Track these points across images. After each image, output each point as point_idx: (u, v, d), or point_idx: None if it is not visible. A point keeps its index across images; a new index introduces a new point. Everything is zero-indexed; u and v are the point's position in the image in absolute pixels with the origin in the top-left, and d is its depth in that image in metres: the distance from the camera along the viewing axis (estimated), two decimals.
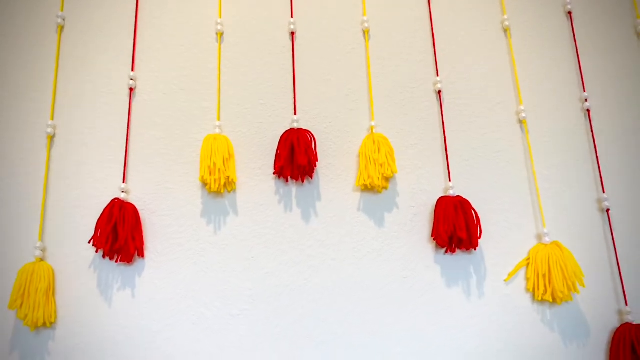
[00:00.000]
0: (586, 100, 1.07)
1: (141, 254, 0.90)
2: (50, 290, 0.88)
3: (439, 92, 1.04)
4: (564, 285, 0.93)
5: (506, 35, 1.09)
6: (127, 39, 1.01)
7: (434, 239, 0.95)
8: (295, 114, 1.00)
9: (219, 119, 0.98)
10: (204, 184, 0.94)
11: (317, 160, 0.96)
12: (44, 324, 0.87)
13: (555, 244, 0.95)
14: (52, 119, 0.97)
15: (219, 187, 0.92)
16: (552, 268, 0.93)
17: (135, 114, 0.98)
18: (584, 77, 1.09)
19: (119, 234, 0.88)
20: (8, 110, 0.97)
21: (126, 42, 1.01)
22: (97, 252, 0.90)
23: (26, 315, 0.86)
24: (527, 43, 1.09)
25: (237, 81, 1.01)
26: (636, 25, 1.13)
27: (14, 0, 1.03)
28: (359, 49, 1.05)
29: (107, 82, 0.99)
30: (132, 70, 1.00)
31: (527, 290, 0.95)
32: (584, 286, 0.93)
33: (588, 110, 1.07)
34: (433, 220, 0.95)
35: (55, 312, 0.88)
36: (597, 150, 1.05)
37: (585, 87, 1.08)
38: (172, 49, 1.02)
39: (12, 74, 0.99)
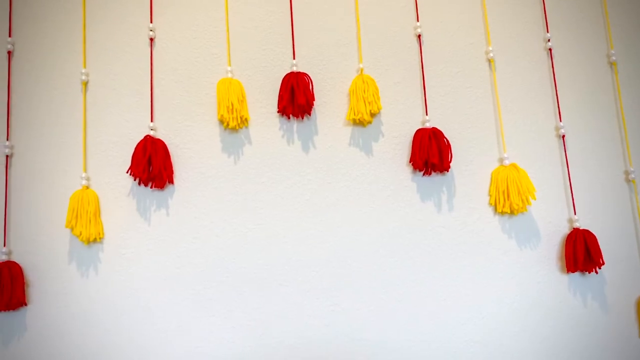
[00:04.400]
0: (549, 40, 1.22)
1: (171, 181, 1.09)
2: (98, 212, 1.08)
3: (419, 36, 1.19)
4: (519, 199, 1.13)
5: None
6: None
7: (411, 164, 1.13)
8: (294, 58, 1.15)
9: (229, 65, 1.14)
10: (222, 121, 1.11)
11: (314, 100, 1.13)
12: (95, 239, 1.07)
13: (513, 165, 1.14)
14: (85, 67, 1.13)
15: (236, 124, 1.09)
16: (509, 185, 1.13)
17: (156, 61, 1.13)
18: (547, 18, 1.23)
19: (153, 165, 1.06)
20: (46, 60, 1.12)
21: None
22: (134, 180, 1.09)
23: (81, 233, 1.06)
24: None
25: (242, 29, 1.16)
26: None
27: None
28: None
29: (129, 33, 1.14)
30: (151, 22, 1.14)
31: (490, 204, 1.15)
32: (535, 199, 1.13)
33: (550, 50, 1.22)
34: (411, 148, 1.14)
35: (103, 229, 1.08)
36: (557, 85, 1.21)
37: (549, 28, 1.23)
38: (184, 1, 1.16)
39: (48, 29, 1.13)
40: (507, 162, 1.15)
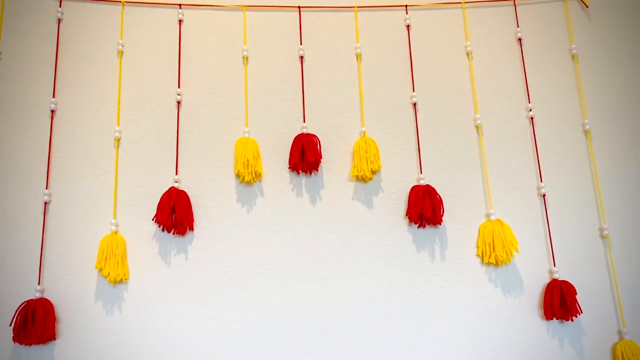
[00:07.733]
0: (530, 110, 1.37)
1: (192, 229, 1.22)
2: (124, 255, 1.19)
3: (415, 104, 1.34)
4: (503, 251, 1.25)
5: (468, 58, 1.39)
6: (174, 63, 1.31)
7: (407, 217, 1.26)
8: (304, 121, 1.30)
9: (247, 126, 1.28)
10: (238, 176, 1.24)
11: (321, 158, 1.27)
12: (121, 280, 1.18)
13: (499, 220, 1.27)
14: (118, 125, 1.27)
15: (250, 178, 1.23)
16: (495, 239, 1.25)
17: (182, 122, 1.28)
18: (529, 90, 1.39)
19: (176, 214, 1.19)
20: (84, 118, 1.26)
21: (173, 66, 1.31)
22: (159, 227, 1.21)
23: (109, 273, 1.17)
24: (484, 65, 1.39)
25: (259, 96, 1.31)
26: (571, 49, 1.43)
27: (79, 30, 1.31)
28: (353, 69, 1.35)
29: (159, 96, 1.29)
30: (179, 87, 1.29)
31: (478, 255, 1.27)
32: (517, 251, 1.25)
33: (532, 118, 1.37)
34: (407, 203, 1.27)
35: (128, 271, 1.19)
36: (537, 149, 1.35)
37: (530, 99, 1.38)
38: (208, 70, 1.31)
39: (87, 91, 1.28)
40: (493, 217, 1.28)
